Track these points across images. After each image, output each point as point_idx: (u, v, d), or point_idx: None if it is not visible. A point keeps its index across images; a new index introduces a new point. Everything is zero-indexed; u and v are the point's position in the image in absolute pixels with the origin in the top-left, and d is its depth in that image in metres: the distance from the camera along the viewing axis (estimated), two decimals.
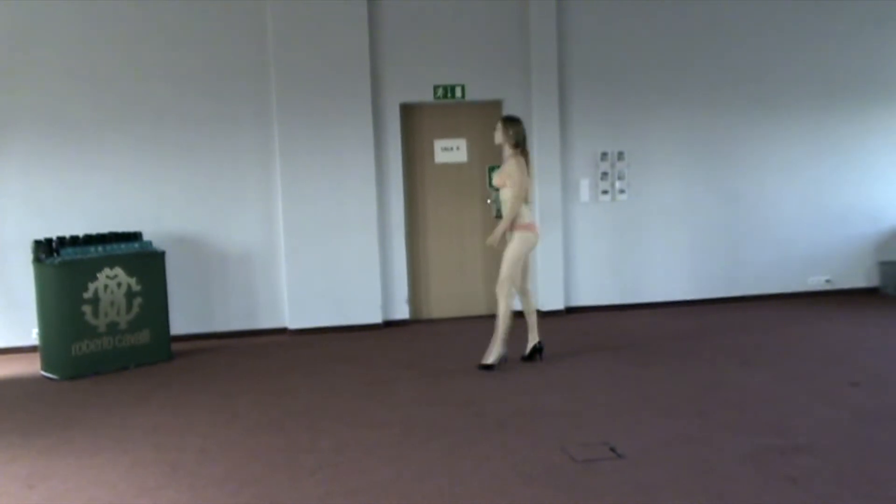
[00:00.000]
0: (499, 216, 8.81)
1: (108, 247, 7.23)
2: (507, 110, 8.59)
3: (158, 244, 7.69)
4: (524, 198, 6.52)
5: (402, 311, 8.56)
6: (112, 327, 7.15)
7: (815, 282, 9.24)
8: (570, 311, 8.72)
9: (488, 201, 8.71)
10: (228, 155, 8.19)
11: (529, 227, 6.59)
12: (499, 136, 6.62)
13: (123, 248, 7.31)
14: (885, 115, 9.20)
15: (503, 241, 6.61)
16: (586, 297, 8.81)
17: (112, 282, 7.14)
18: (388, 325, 8.45)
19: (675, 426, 5.23)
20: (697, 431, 5.13)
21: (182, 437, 5.33)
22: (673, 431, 5.14)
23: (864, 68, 9.10)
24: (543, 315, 8.57)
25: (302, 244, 8.23)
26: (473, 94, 8.53)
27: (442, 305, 8.74)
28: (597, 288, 8.83)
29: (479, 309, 8.75)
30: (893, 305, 8.71)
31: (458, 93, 8.49)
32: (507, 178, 6.50)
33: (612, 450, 4.81)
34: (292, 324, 8.31)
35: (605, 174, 8.80)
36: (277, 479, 4.59)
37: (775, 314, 8.50)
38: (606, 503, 4.14)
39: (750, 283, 9.10)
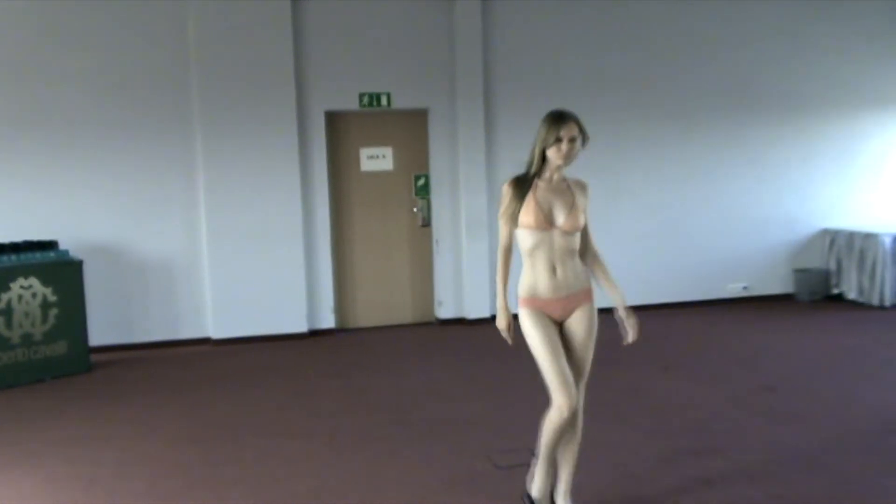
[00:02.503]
0: (425, 224, 8.87)
1: (23, 256, 7.02)
2: (433, 119, 8.63)
3: (76, 253, 7.50)
4: (509, 245, 3.84)
5: (327, 320, 8.51)
6: (26, 339, 6.94)
7: (734, 289, 9.47)
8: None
9: (414, 209, 8.72)
10: (148, 162, 8.03)
11: (524, 301, 3.82)
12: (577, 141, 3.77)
13: (38, 257, 7.10)
14: (798, 127, 9.49)
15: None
16: (513, 304, 8.85)
17: (27, 292, 6.93)
18: (314, 334, 8.39)
19: (596, 431, 5.29)
20: (617, 436, 5.22)
21: (99, 451, 5.21)
22: (593, 436, 5.20)
23: (779, 81, 9.37)
24: (469, 323, 8.62)
25: (226, 252, 8.12)
26: (399, 103, 8.54)
27: (368, 314, 8.71)
28: None
29: (406, 318, 8.75)
30: (807, 311, 8.99)
31: (384, 101, 8.49)
32: (574, 215, 3.78)
33: (536, 455, 4.85)
34: (216, 333, 8.18)
35: None
36: (198, 492, 4.51)
37: (695, 321, 8.70)
38: None
39: (671, 290, 9.28)
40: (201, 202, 8.11)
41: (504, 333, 3.97)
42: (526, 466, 4.70)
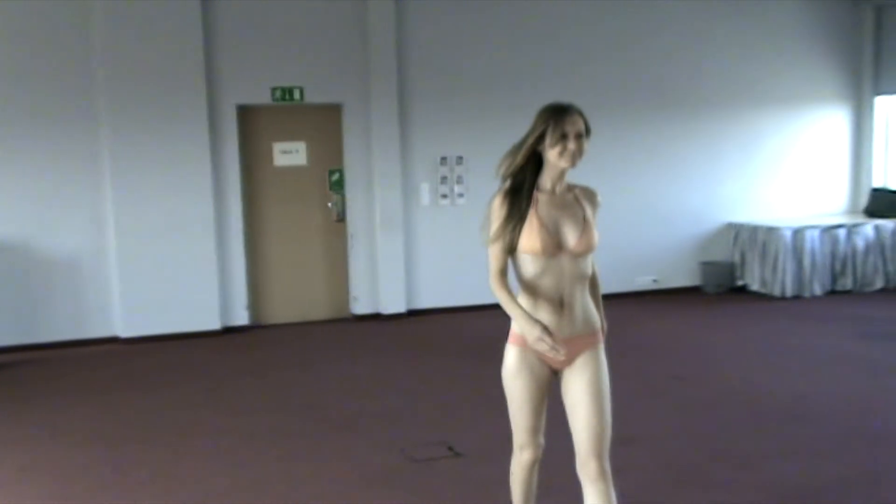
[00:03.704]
0: (340, 219, 8.82)
1: None
2: (348, 114, 8.58)
3: None
4: (502, 269, 3.14)
5: (241, 317, 8.38)
6: None
7: (643, 282, 9.70)
8: (413, 313, 8.79)
9: (329, 204, 8.66)
10: (51, 155, 7.76)
11: (517, 339, 3.21)
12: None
13: None
14: (703, 123, 9.76)
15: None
16: (428, 299, 8.91)
17: None
18: (227, 331, 8.25)
19: (507, 425, 5.36)
20: None
21: (2, 455, 5.02)
22: (509, 429, 5.26)
23: (686, 79, 9.62)
24: (385, 318, 8.62)
25: (134, 248, 7.92)
26: (313, 97, 8.46)
27: (283, 310, 8.61)
28: (439, 290, 8.94)
29: (321, 313, 8.68)
30: (713, 303, 9.26)
31: (297, 95, 8.40)
32: (588, 233, 3.12)
33: (451, 448, 4.90)
34: (124, 332, 7.97)
35: (444, 178, 8.93)
36: (108, 494, 4.41)
37: (607, 314, 8.85)
38: (443, 501, 4.21)
39: None
40: (108, 197, 7.89)
41: (544, 345, 2.94)
42: (441, 460, 4.73)
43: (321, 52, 8.45)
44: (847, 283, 9.43)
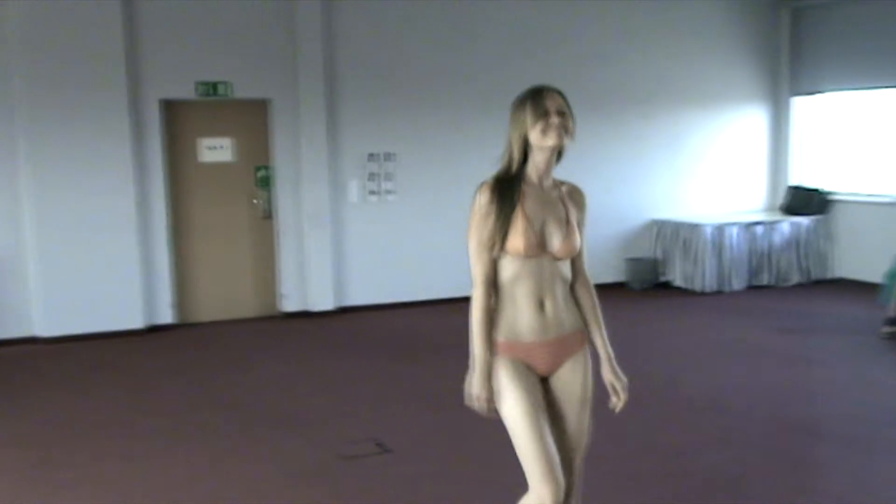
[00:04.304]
0: (268, 216, 8.73)
1: None
2: (275, 110, 8.49)
3: None
4: (490, 278, 2.88)
5: (166, 315, 8.22)
6: None
7: None
8: (342, 310, 8.75)
9: (256, 201, 8.56)
10: None
11: (510, 347, 2.86)
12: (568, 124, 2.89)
13: None
14: (627, 121, 9.92)
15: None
16: (358, 296, 8.87)
17: None
18: (152, 330, 8.09)
19: (443, 419, 5.40)
20: (466, 424, 5.29)
21: None
22: (440, 425, 5.31)
23: (610, 77, 9.76)
24: (314, 316, 8.56)
25: (54, 245, 7.70)
26: (240, 92, 8.35)
27: (209, 308, 8.48)
28: (369, 287, 8.91)
29: (249, 311, 8.58)
30: (638, 299, 9.44)
31: (223, 90, 8.28)
32: (571, 236, 2.91)
33: (379, 445, 4.90)
34: (44, 332, 7.75)
35: (373, 175, 8.91)
36: (28, 496, 4.29)
37: None
38: (372, 497, 4.22)
39: None
40: (25, 193, 7.66)
41: (479, 404, 2.85)
42: (370, 457, 4.74)
43: (248, 46, 8.34)
44: (765, 278, 9.71)
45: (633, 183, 10.01)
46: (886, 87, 9.36)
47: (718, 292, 9.42)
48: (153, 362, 7.10)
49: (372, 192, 8.90)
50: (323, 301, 8.67)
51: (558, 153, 2.89)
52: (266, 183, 8.58)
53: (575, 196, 2.97)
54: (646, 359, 6.90)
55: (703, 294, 9.38)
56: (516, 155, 2.85)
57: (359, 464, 4.64)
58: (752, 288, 9.61)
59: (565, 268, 2.88)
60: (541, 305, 2.82)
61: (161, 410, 5.72)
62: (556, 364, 2.87)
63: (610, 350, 2.97)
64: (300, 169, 8.57)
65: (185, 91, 8.16)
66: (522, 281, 2.81)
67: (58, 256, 7.73)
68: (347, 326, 8.24)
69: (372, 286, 8.91)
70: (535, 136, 2.80)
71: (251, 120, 8.50)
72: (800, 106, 10.42)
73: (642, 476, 4.46)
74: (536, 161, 2.86)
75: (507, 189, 2.81)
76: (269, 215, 8.60)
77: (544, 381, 2.87)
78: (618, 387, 2.94)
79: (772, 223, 9.79)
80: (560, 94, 2.90)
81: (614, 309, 8.80)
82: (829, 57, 9.97)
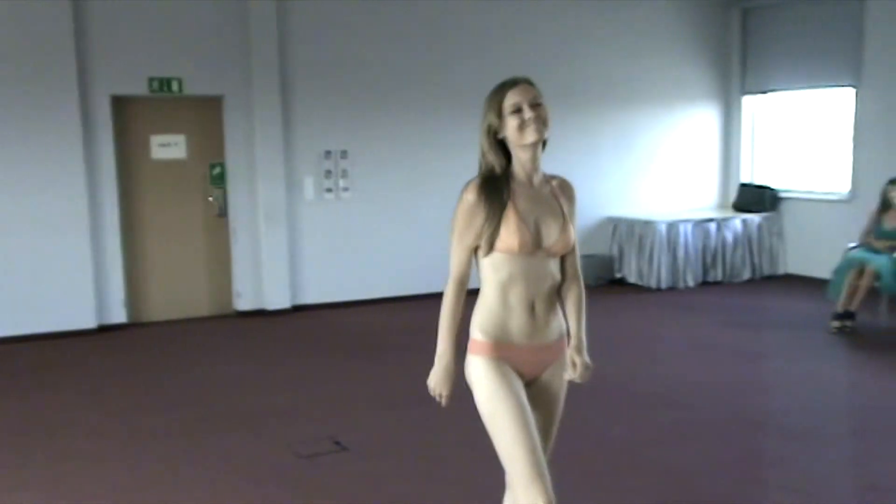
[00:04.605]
0: (222, 214, 8.64)
1: None
2: (229, 106, 8.40)
3: None
4: (463, 275, 2.88)
5: (118, 315, 8.09)
6: None
7: None
8: (298, 309, 8.69)
9: (210, 199, 8.46)
10: None
11: (484, 347, 2.80)
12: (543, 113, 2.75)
13: None
14: (582, 120, 9.99)
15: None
16: (314, 294, 8.82)
17: None
18: (104, 329, 7.95)
19: (401, 417, 5.40)
20: (423, 420, 5.32)
21: None
22: (398, 422, 5.30)
23: (564, 77, 9.79)
24: (269, 314, 8.49)
25: (3, 244, 7.53)
26: (192, 89, 8.24)
27: (163, 307, 8.36)
28: (325, 285, 8.87)
29: (203, 310, 8.48)
30: (594, 295, 9.32)
31: (176, 86, 8.17)
32: (566, 231, 2.83)
33: (337, 443, 4.88)
34: None
35: (329, 172, 8.86)
36: None
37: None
38: (331, 496, 4.20)
39: (472, 276, 9.53)
40: None
41: (444, 398, 2.93)
42: (328, 455, 4.72)
43: (201, 42, 8.24)
44: (717, 274, 9.86)
45: (588, 180, 10.06)
46: (833, 86, 9.55)
47: (672, 288, 9.54)
48: (105, 362, 6.99)
49: (328, 190, 8.86)
50: (278, 299, 8.61)
51: (543, 143, 2.76)
52: (220, 180, 8.49)
53: (566, 190, 2.88)
54: (600, 354, 6.91)
55: (657, 290, 9.49)
56: (491, 157, 2.73)
57: (316, 462, 4.62)
58: (705, 284, 9.74)
59: (556, 267, 2.80)
60: (532, 309, 2.74)
61: (113, 411, 5.64)
62: (539, 371, 2.81)
63: (583, 337, 2.88)
64: (255, 166, 8.50)
65: (136, 87, 8.04)
66: (515, 282, 2.72)
67: (7, 255, 7.57)
68: (303, 325, 8.19)
69: (328, 284, 8.87)
70: (511, 134, 2.69)
71: (204, 117, 8.41)
72: (750, 105, 10.60)
73: (593, 470, 4.50)
74: (521, 159, 2.74)
75: (495, 187, 2.70)
76: (223, 213, 8.51)
77: (525, 385, 2.79)
78: (578, 363, 2.82)
79: (724, 220, 9.94)
80: (530, 82, 2.77)
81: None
82: (778, 57, 10.15)
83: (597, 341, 7.56)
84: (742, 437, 5.01)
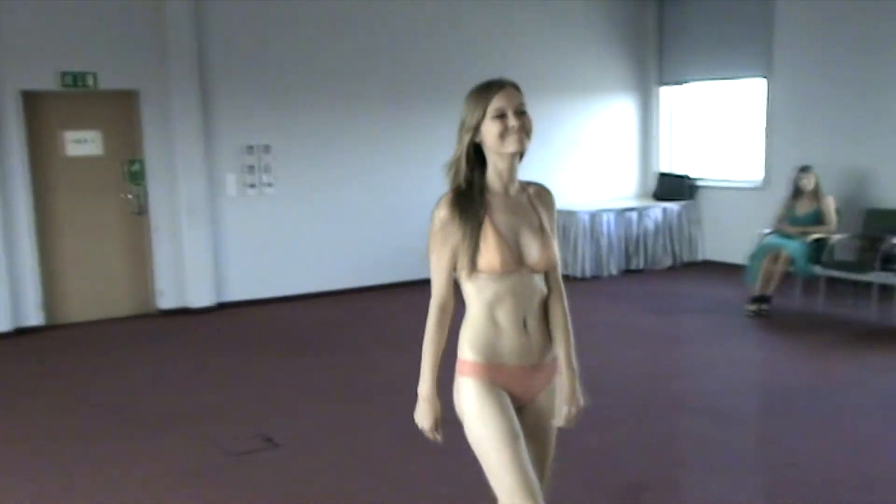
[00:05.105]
0: (141, 212, 8.44)
1: None
2: (146, 102, 8.20)
3: None
4: (445, 301, 2.63)
5: (35, 317, 7.85)
6: None
7: None
8: (223, 306, 8.57)
9: (128, 196, 8.26)
10: None
11: (474, 369, 2.56)
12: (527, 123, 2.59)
13: None
14: None
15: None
16: (239, 291, 8.71)
17: None
18: (20, 332, 7.71)
19: (331, 412, 5.39)
20: (353, 415, 5.33)
21: None
22: (329, 418, 5.29)
23: (486, 67, 9.78)
24: (193, 312, 8.35)
25: None
26: (106, 83, 8.03)
27: (82, 308, 8.14)
28: (250, 282, 8.75)
29: (124, 310, 8.29)
30: None
31: (90, 81, 7.95)
32: (548, 245, 2.61)
33: (268, 440, 4.85)
34: None
35: (251, 167, 8.75)
36: None
37: (420, 299, 8.96)
38: (264, 493, 4.17)
39: (397, 270, 9.51)
40: None
41: (428, 432, 2.64)
42: (259, 452, 4.68)
43: (114, 35, 8.03)
44: (640, 262, 10.07)
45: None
46: (745, 77, 9.83)
47: (596, 277, 9.70)
48: (22, 366, 6.78)
49: (250, 185, 8.75)
50: (202, 297, 8.47)
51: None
52: (138, 177, 8.30)
53: (543, 197, 2.67)
54: None
55: (582, 279, 9.64)
56: (465, 163, 2.53)
57: (248, 460, 4.57)
58: (627, 272, 9.94)
59: (542, 282, 2.61)
60: (524, 328, 2.54)
61: (34, 416, 5.48)
62: (533, 393, 2.61)
63: (575, 368, 2.70)
64: (174, 162, 8.33)
65: (47, 82, 7.79)
66: (504, 300, 2.51)
67: None
68: (228, 322, 8.09)
69: (252, 281, 8.77)
70: (490, 141, 2.49)
71: (119, 112, 8.21)
72: (666, 95, 10.84)
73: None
74: (498, 168, 2.55)
75: (469, 202, 2.50)
76: (141, 210, 8.33)
77: (518, 410, 2.57)
78: (572, 410, 2.68)
79: (644, 209, 10.15)
80: (516, 87, 2.57)
81: None
82: (693, 48, 10.40)
83: None
84: (665, 420, 5.14)
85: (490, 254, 2.47)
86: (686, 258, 10.36)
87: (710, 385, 5.76)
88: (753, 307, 7.65)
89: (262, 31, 8.69)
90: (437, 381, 2.57)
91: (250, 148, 8.71)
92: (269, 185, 8.81)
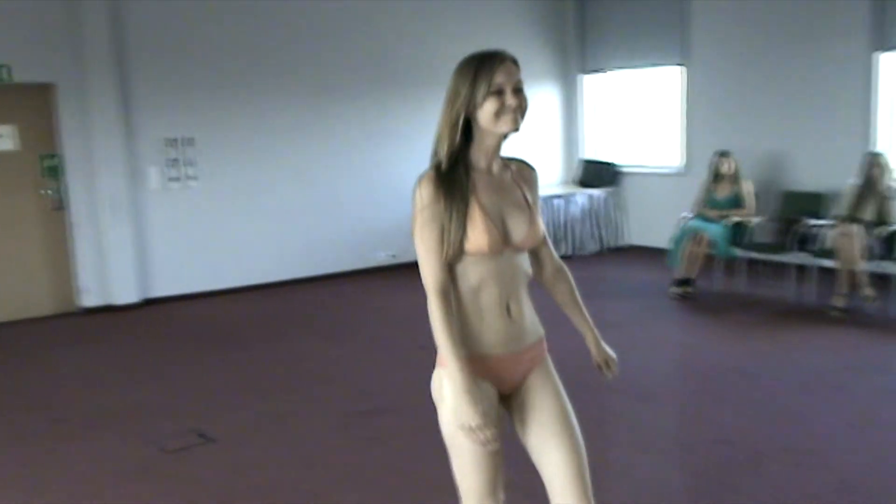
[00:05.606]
0: (60, 207, 8.21)
1: None
2: (63, 95, 7.96)
3: None
4: (445, 287, 2.37)
5: None
6: None
7: (381, 257, 9.92)
8: (149, 302, 8.40)
9: (46, 192, 8.03)
10: None
11: (472, 363, 2.39)
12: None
13: None
14: (428, 101, 10.08)
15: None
16: (165, 287, 8.54)
17: None
18: None
19: (266, 405, 5.35)
20: (287, 407, 5.30)
21: None
22: (263, 411, 5.25)
23: (414, 58, 9.89)
24: (118, 309, 8.17)
25: None
26: (20, 76, 7.77)
27: (1, 308, 7.88)
28: (176, 277, 8.60)
29: (45, 309, 8.05)
30: None
31: (3, 74, 7.68)
32: (534, 222, 2.51)
33: (202, 436, 4.79)
34: None
35: (174, 160, 8.58)
36: None
37: (349, 290, 9.00)
38: (201, 488, 4.13)
39: (326, 261, 9.49)
40: None
41: (478, 431, 2.30)
42: (194, 448, 4.63)
43: (29, 27, 7.78)
44: (567, 248, 10.21)
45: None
46: (664, 65, 10.04)
47: None
48: None
49: (173, 179, 8.59)
50: (126, 294, 8.30)
51: None
52: (55, 172, 8.07)
53: (525, 173, 2.52)
54: None
55: None
56: (452, 139, 2.36)
57: (183, 456, 4.51)
58: None
59: (526, 262, 2.51)
60: (507, 312, 2.42)
61: None
62: (520, 378, 2.49)
63: (596, 331, 2.78)
64: (93, 156, 8.12)
65: None
66: (486, 286, 2.38)
67: None
68: (155, 318, 7.94)
69: (179, 275, 8.61)
70: (484, 117, 2.33)
71: (35, 105, 7.96)
72: (589, 84, 11.00)
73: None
74: (486, 145, 2.40)
75: (454, 181, 2.34)
76: (60, 206, 8.11)
77: (506, 399, 2.50)
78: (610, 364, 2.81)
79: (569, 196, 10.30)
80: (515, 62, 2.39)
81: (420, 287, 9.04)
82: (613, 37, 10.57)
83: None
84: (594, 401, 5.21)
85: (477, 235, 2.32)
86: (612, 243, 10.56)
87: (637, 366, 5.88)
88: (677, 290, 7.85)
89: (184, 23, 8.52)
90: (468, 368, 2.30)
91: (173, 141, 8.55)
92: (194, 178, 8.66)
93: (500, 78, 2.32)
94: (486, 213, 2.34)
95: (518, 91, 2.34)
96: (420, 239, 2.36)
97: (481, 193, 2.36)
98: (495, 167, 2.43)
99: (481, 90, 2.31)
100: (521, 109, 2.34)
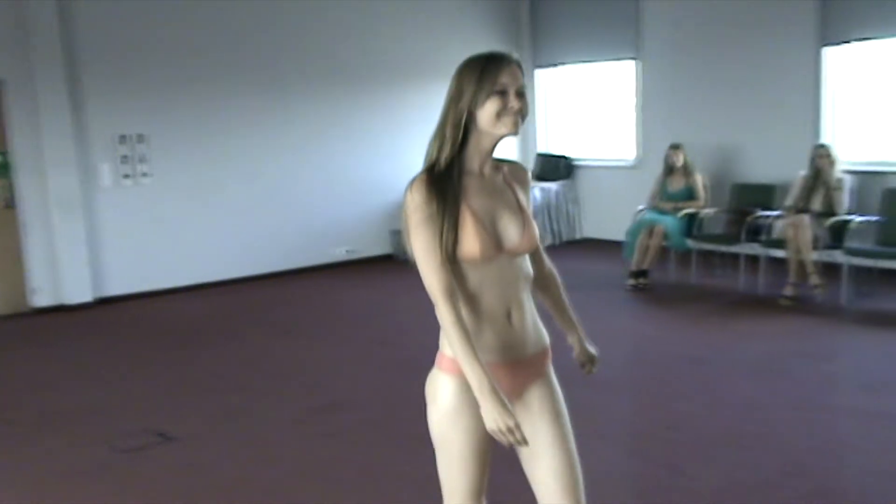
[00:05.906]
0: (9, 206, 8.07)
1: None
2: (11, 91, 7.81)
3: None
4: (450, 287, 2.29)
5: None
6: None
7: (338, 253, 9.90)
8: (102, 301, 8.29)
9: None
10: None
11: (455, 367, 2.35)
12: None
13: None
14: (385, 95, 10.10)
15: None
16: (119, 285, 8.44)
17: None
18: None
19: (223, 403, 5.33)
20: (245, 405, 5.28)
21: None
22: (221, 409, 5.23)
23: (363, 54, 9.87)
24: (70, 309, 8.06)
25: None
26: None
27: None
28: (130, 275, 8.49)
29: None
30: (404, 270, 9.52)
31: None
32: (529, 225, 2.41)
33: (161, 435, 4.76)
34: None
35: (126, 157, 8.48)
36: None
37: (305, 286, 8.97)
38: (161, 487, 4.11)
39: (279, 258, 9.44)
40: None
41: (515, 430, 2.21)
42: (151, 448, 4.60)
43: None
44: None
45: (392, 156, 10.18)
46: (616, 59, 10.15)
47: None
48: None
49: (126, 176, 8.48)
50: (79, 293, 8.18)
51: None
52: (4, 170, 7.93)
53: (518, 175, 2.46)
54: (415, 327, 7.09)
55: None
56: (459, 138, 2.30)
57: (142, 456, 4.48)
58: None
59: (526, 264, 2.42)
60: (508, 319, 2.35)
61: None
62: (521, 390, 2.40)
63: (581, 331, 2.76)
64: (43, 154, 7.99)
65: None
66: (485, 291, 2.31)
67: None
68: (109, 317, 7.84)
69: (133, 274, 8.51)
70: (485, 118, 2.28)
71: None
72: (541, 78, 11.07)
73: (427, 438, 4.63)
74: (482, 147, 2.34)
75: (446, 183, 2.27)
76: (10, 204, 7.97)
77: None
78: (594, 361, 2.83)
79: None
80: (520, 66, 2.35)
81: (381, 280, 9.06)
82: (566, 31, 10.66)
83: (412, 315, 7.73)
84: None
85: (469, 241, 2.25)
86: (566, 236, 10.65)
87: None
88: (633, 281, 7.96)
89: (135, 20, 8.41)
90: (488, 371, 2.22)
91: (123, 137, 8.44)
92: (146, 174, 8.57)
93: (504, 78, 2.27)
94: (477, 218, 2.27)
95: (521, 95, 2.30)
96: (416, 240, 2.27)
97: (473, 198, 2.29)
98: (487, 169, 2.37)
99: (485, 89, 2.26)
100: (521, 113, 2.30)
